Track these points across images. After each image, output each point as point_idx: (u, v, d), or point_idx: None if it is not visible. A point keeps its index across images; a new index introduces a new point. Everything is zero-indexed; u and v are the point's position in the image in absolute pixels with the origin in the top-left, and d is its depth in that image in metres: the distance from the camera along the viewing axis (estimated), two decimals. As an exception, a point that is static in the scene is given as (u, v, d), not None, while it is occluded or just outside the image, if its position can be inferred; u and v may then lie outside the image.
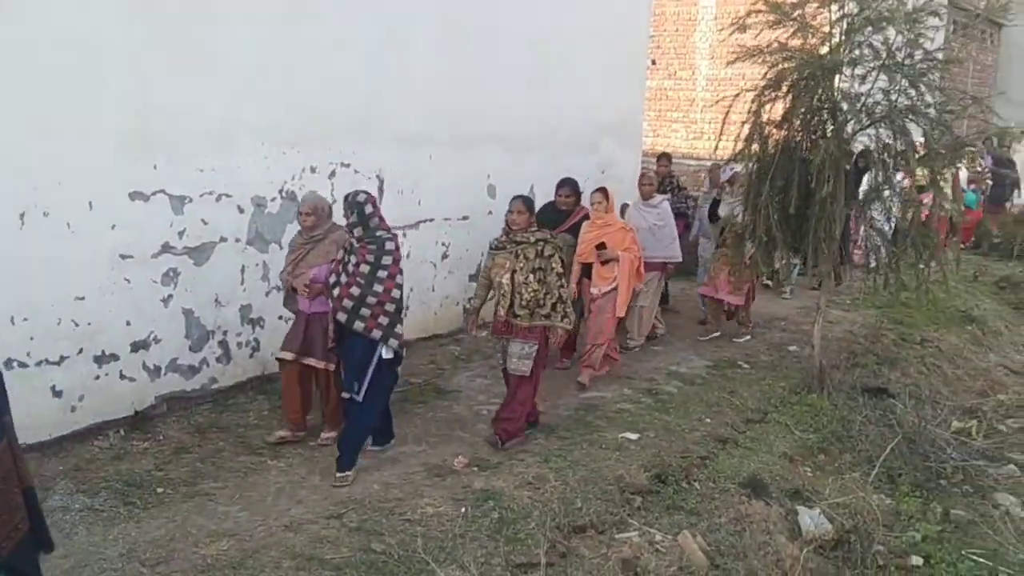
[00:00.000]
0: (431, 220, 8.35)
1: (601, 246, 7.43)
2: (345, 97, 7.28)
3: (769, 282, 11.11)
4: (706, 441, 6.62)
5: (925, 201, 7.66)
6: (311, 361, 5.94)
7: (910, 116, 7.10)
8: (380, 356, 5.55)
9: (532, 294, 5.97)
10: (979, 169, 14.11)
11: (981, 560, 5.87)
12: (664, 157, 10.61)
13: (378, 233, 5.56)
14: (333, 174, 7.27)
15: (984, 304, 11.84)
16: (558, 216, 7.70)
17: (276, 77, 6.69)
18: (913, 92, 7.08)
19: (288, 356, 5.96)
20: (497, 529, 5.05)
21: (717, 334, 9.27)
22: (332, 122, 7.21)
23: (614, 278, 7.41)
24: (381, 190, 7.71)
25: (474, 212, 8.67)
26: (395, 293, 5.57)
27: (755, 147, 7.24)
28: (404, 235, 7.98)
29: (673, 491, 5.76)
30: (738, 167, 8.27)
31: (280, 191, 6.87)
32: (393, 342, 5.58)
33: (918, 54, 7.02)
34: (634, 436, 6.49)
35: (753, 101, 7.14)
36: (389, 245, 5.57)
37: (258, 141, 6.64)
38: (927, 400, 8.33)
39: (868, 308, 10.92)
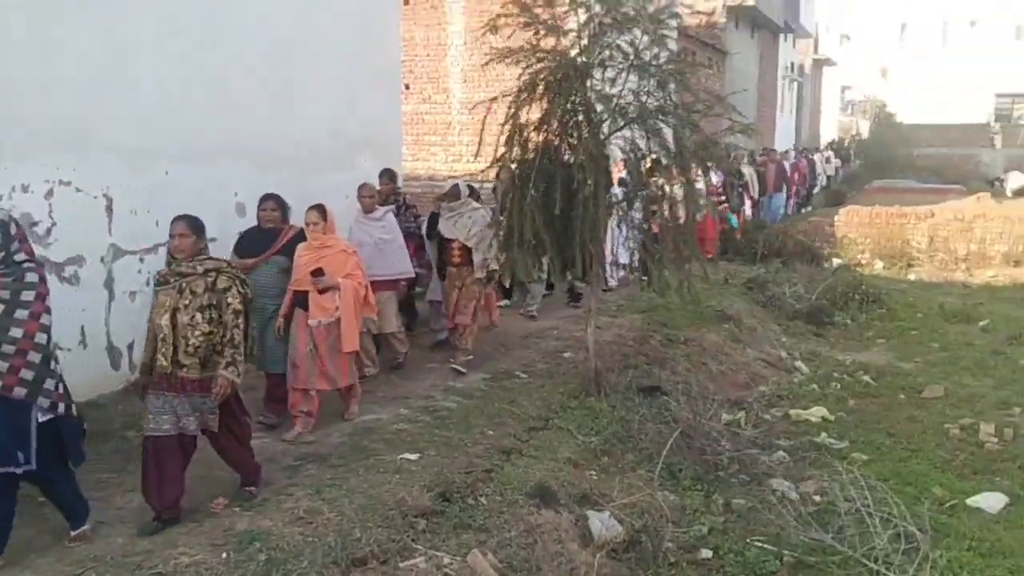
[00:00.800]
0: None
1: (318, 272, 6.35)
2: (53, 106, 6.39)
3: (507, 301, 10.76)
4: (490, 454, 6.29)
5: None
6: None
7: (660, 116, 7.21)
8: (36, 421, 4.42)
9: (202, 338, 4.93)
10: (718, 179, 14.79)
11: (766, 546, 5.91)
12: (386, 174, 9.07)
13: (18, 260, 4.40)
14: (50, 193, 6.36)
15: (737, 304, 12.42)
16: (264, 237, 6.63)
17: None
18: (661, 93, 7.20)
19: None
20: (265, 572, 4.44)
21: (470, 357, 8.34)
22: (41, 135, 6.31)
23: (336, 308, 6.40)
24: (111, 209, 6.86)
25: (221, 232, 7.87)
26: (39, 338, 4.36)
27: (516, 151, 7.07)
28: (141, 260, 7.16)
29: (459, 509, 5.36)
30: (460, 182, 8.35)
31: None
32: (44, 401, 4.41)
33: (664, 55, 7.14)
34: (414, 456, 6.05)
35: (510, 105, 6.96)
36: (31, 277, 4.40)
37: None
38: (698, 396, 8.47)
39: (633, 313, 11.12)
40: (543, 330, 10.04)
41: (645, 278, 11.82)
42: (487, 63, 6.84)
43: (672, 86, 7.21)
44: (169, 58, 7.40)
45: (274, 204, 6.66)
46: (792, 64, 42.14)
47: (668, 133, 7.30)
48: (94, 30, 6.69)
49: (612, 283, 11.81)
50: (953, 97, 50.54)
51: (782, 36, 38.48)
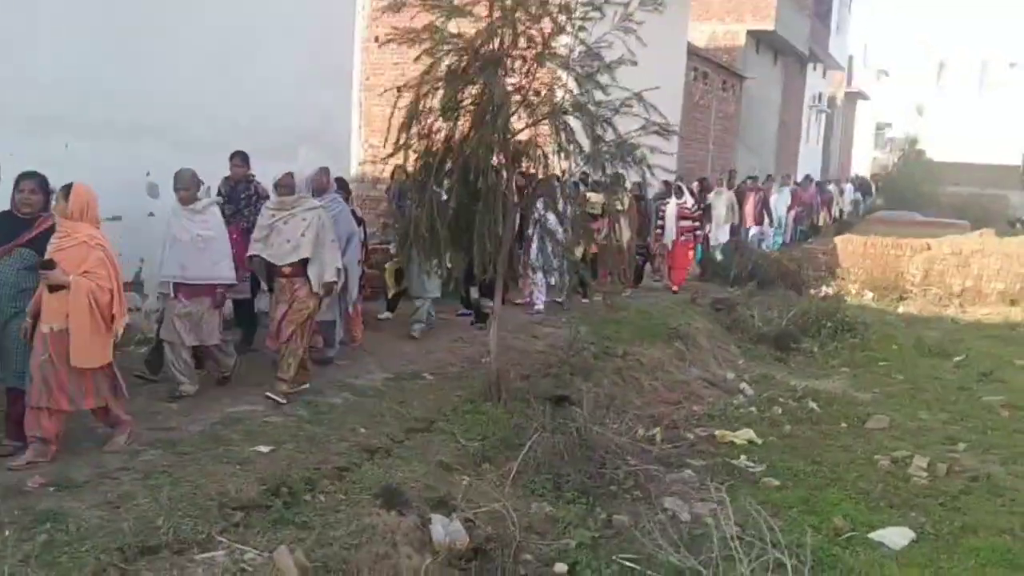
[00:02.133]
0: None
1: (47, 265, 5.27)
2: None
3: (389, 314, 10.08)
4: (352, 452, 6.02)
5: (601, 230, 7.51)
6: None
7: (576, 114, 6.92)
8: None
9: None
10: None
11: (630, 564, 5.56)
12: (238, 155, 8.05)
13: None
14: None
15: (697, 323, 12.04)
16: (15, 224, 5.48)
17: None
18: (577, 88, 6.91)
19: None
20: (39, 554, 4.18)
21: (306, 385, 7.17)
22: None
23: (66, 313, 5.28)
24: (-2, 180, 6.68)
25: (128, 213, 7.72)
26: None
27: (416, 143, 6.81)
28: (31, 235, 6.97)
29: (283, 504, 5.07)
30: (299, 172, 7.29)
31: None
32: None
33: (579, 49, 6.85)
34: (266, 449, 5.79)
35: (414, 94, 6.70)
36: None
37: None
38: (616, 408, 8.14)
39: (581, 324, 10.79)
40: (475, 336, 9.73)
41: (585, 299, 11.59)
42: (383, 44, 6.53)
43: (588, 84, 6.90)
44: (75, 23, 7.22)
45: (33, 186, 5.52)
46: (820, 95, 41.54)
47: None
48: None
49: (538, 305, 11.03)
50: (989, 137, 49.73)
51: (811, 66, 37.99)
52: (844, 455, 8.15)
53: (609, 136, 6.92)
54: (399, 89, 6.87)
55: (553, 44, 6.68)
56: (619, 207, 7.18)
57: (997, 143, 48.37)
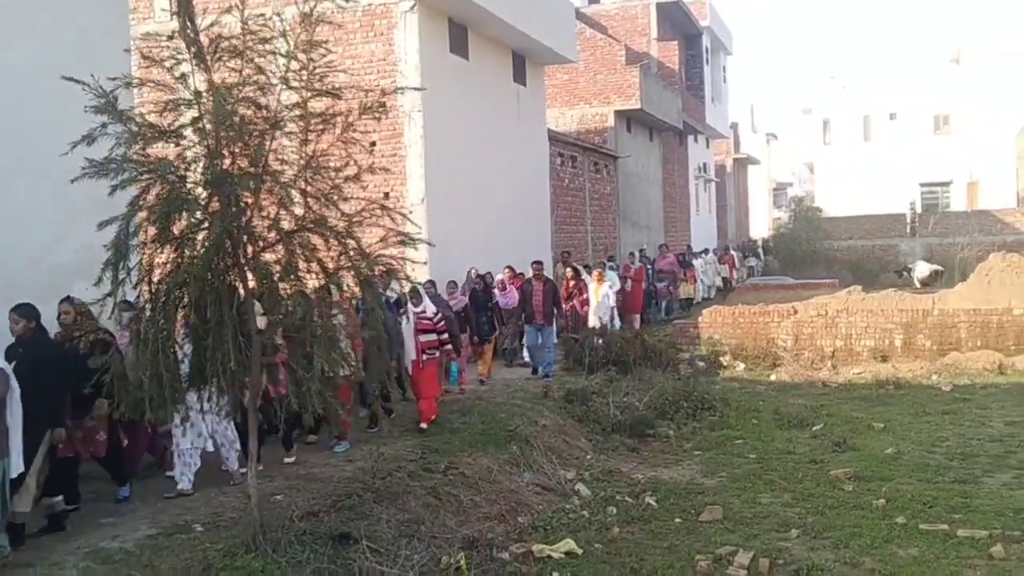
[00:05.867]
0: None
1: None
2: None
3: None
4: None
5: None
6: None
7: (316, 230, 6.45)
8: None
9: None
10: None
11: None
12: None
13: None
14: None
15: (544, 420, 11.52)
16: None
17: None
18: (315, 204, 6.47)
19: None
20: None
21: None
22: None
23: None
24: None
25: None
26: None
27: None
28: None
29: None
30: None
31: None
32: None
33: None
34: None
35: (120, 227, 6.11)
36: None
37: None
38: (420, 536, 7.51)
39: (408, 439, 10.20)
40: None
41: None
42: (77, 179, 5.94)
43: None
44: None
45: None
46: (705, 164, 42.38)
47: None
48: None
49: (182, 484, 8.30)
50: (877, 188, 51.25)
51: (691, 137, 38.76)
52: (666, 558, 7.63)
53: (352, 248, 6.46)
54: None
55: (271, 163, 6.22)
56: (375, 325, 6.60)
57: (885, 193, 49.90)
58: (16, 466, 6.47)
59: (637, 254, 23.21)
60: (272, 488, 8.14)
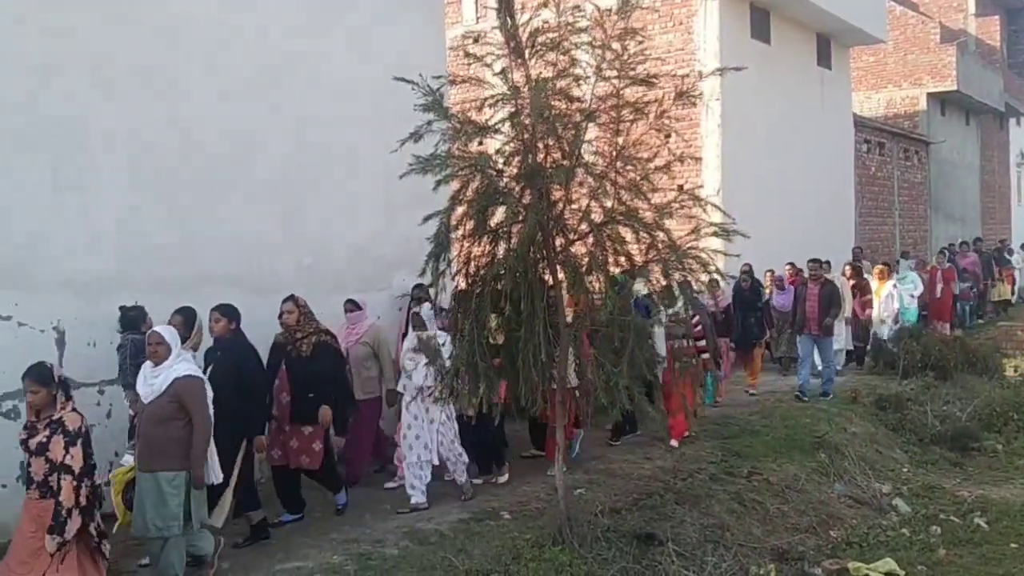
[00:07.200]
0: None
1: None
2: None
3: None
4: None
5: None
6: None
7: (626, 222, 6.33)
8: None
9: None
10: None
11: None
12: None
13: None
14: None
15: (854, 427, 10.72)
16: None
17: None
18: (626, 195, 6.35)
19: None
20: None
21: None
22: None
23: None
24: (63, 343, 6.89)
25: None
26: None
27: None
28: (101, 392, 7.13)
29: None
30: None
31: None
32: None
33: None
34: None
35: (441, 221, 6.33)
36: None
37: None
38: (725, 543, 7.19)
39: (710, 439, 9.85)
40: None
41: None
42: (404, 175, 6.20)
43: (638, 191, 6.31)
44: (134, 190, 7.52)
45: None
46: (1033, 149, 37.94)
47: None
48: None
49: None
50: None
51: (1012, 120, 34.90)
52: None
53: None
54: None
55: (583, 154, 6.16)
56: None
57: None
58: (215, 475, 5.89)
59: (947, 252, 19.88)
60: (573, 481, 8.13)
